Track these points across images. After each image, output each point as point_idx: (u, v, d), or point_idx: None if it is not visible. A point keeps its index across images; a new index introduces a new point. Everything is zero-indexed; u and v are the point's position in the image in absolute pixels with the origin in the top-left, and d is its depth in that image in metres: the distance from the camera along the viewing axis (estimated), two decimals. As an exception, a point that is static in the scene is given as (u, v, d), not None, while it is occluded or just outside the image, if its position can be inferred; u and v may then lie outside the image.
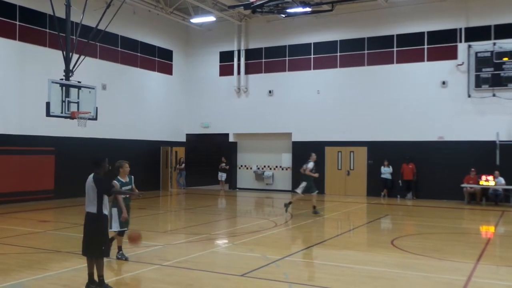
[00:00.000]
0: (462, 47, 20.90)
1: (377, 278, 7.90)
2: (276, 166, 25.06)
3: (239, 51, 25.57)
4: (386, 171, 21.78)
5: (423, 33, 21.63)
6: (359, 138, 22.59)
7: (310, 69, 24.01)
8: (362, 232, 13.15)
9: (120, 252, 8.77)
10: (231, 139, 25.90)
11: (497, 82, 20.10)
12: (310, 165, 15.84)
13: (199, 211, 16.93)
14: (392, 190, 21.79)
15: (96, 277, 6.87)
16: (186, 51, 26.77)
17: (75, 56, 16.27)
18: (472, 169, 19.72)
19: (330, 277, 7.89)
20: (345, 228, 13.90)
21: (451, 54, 21.13)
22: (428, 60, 21.54)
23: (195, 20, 24.12)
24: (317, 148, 23.32)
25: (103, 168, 6.95)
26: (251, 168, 25.63)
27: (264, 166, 25.36)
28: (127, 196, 8.71)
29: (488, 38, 20.43)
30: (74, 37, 16.57)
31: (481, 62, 20.40)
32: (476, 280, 7.76)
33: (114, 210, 8.59)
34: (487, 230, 13.94)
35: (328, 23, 23.40)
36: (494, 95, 20.12)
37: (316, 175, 16.07)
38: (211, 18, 23.87)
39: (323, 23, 23.52)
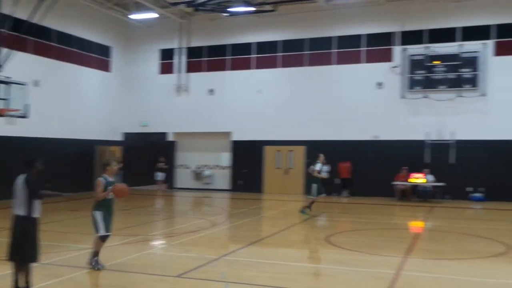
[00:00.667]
0: (397, 50, 21.69)
1: (313, 274, 8.06)
2: (216, 166, 25.00)
3: (180, 49, 25.28)
4: (323, 170, 22.18)
5: (361, 35, 22.27)
6: (298, 137, 22.93)
7: (251, 68, 24.12)
8: (299, 230, 13.36)
9: (95, 258, 7.96)
10: (170, 138, 25.56)
11: (429, 84, 21.03)
12: (318, 166, 15.57)
13: (135, 212, 16.58)
14: (329, 188, 22.22)
15: (22, 284, 6.56)
16: (126, 47, 26.14)
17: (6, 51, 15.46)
18: (404, 167, 20.53)
19: (267, 275, 7.95)
20: (283, 226, 14.06)
21: (387, 57, 21.88)
22: (365, 62, 22.20)
23: (136, 16, 23.55)
24: (256, 148, 23.57)
25: (36, 169, 6.63)
26: (189, 168, 25.42)
27: (203, 166, 25.22)
28: (57, 196, 8.16)
29: (421, 42, 21.33)
30: (3, 30, 15.75)
31: (414, 65, 21.27)
32: (405, 273, 8.08)
33: (99, 214, 7.93)
34: (417, 225, 14.56)
35: (270, 23, 23.59)
36: (425, 97, 21.03)
37: (325, 176, 15.76)
38: (152, 15, 23.39)
39: (265, 23, 23.68)
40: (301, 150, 23.08)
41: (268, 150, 23.66)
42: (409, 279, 7.81)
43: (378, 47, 22.06)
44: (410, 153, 20.86)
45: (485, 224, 13.91)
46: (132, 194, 22.68)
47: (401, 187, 20.41)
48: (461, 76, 20.60)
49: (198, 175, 25.12)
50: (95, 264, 7.92)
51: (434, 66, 20.99)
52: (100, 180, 8.04)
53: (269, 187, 23.51)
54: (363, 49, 22.23)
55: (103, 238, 7.96)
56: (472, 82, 20.42)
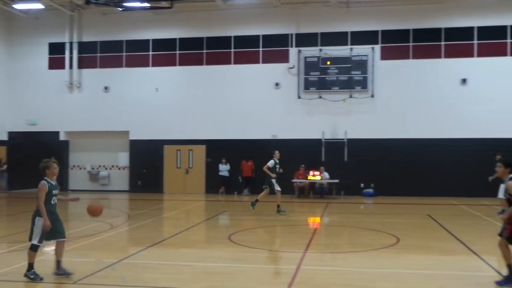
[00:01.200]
0: (293, 51, 22.37)
1: (215, 273, 8.00)
2: (113, 166, 24.07)
3: (71, 43, 23.96)
4: (224, 169, 22.34)
5: (258, 36, 22.66)
6: (198, 136, 22.81)
7: (148, 66, 23.54)
8: (200, 229, 13.26)
9: (32, 271, 7.31)
10: (62, 137, 24.16)
11: (323, 85, 21.96)
12: (270, 163, 15.53)
13: (23, 216, 15.32)
14: (230, 187, 22.45)
15: None
16: (9, 40, 24.24)
17: None
18: (302, 165, 21.26)
19: (168, 277, 7.77)
20: (184, 226, 13.88)
21: (284, 58, 22.49)
22: (263, 62, 22.63)
23: (19, 6, 21.89)
24: (155, 147, 23.06)
25: None
26: (85, 168, 24.22)
27: (100, 166, 24.16)
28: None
29: (315, 44, 22.19)
30: None
31: (309, 66, 22.10)
32: (305, 268, 8.32)
33: (39, 220, 7.22)
34: (314, 221, 15.11)
35: (167, 20, 23.18)
36: (320, 97, 21.93)
37: (274, 175, 15.61)
38: (37, 5, 21.90)
39: (162, 20, 23.22)
40: (201, 149, 22.99)
41: (167, 150, 23.26)
42: (308, 273, 8.05)
43: (275, 48, 22.60)
44: (307, 152, 21.65)
45: (376, 218, 14.78)
46: (20, 197, 21.22)
47: (299, 185, 21.09)
48: (352, 78, 21.77)
49: (94, 176, 24.03)
50: (34, 276, 7.32)
51: (327, 68, 21.96)
52: (44, 184, 7.32)
53: (169, 187, 23.13)
54: (261, 49, 22.64)
55: (37, 248, 7.38)
56: (362, 84, 21.67)
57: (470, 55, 21.16)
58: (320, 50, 22.03)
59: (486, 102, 20.72)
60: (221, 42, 22.96)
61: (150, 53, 23.54)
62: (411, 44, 21.61)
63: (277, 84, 22.44)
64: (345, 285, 7.58)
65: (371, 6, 21.76)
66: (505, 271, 7.26)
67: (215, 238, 11.67)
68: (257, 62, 22.69)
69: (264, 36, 22.65)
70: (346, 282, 7.69)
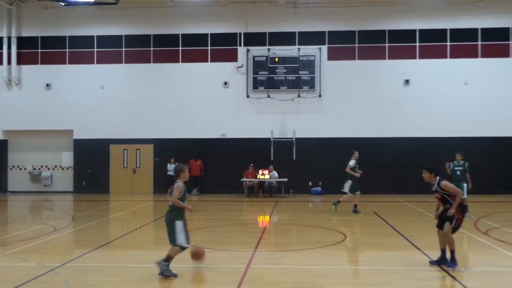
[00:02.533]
0: (241, 50, 22.37)
1: (182, 275, 7.87)
2: (56, 166, 23.24)
3: (9, 38, 22.93)
4: (172, 168, 21.97)
5: (207, 34, 22.51)
6: (146, 135, 22.41)
7: (93, 63, 22.88)
8: (149, 230, 13.01)
9: (165, 263, 7.71)
10: (0, 137, 23.08)
11: (271, 84, 22.09)
12: (352, 162, 15.08)
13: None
14: (178, 186, 22.15)
15: None
16: None
17: None
18: (251, 164, 21.31)
19: (115, 279, 7.57)
20: (132, 227, 13.59)
21: (232, 57, 22.45)
22: (212, 61, 22.51)
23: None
24: (101, 146, 22.46)
25: None
26: (25, 169, 23.25)
27: (42, 166, 23.27)
28: None
29: (263, 44, 22.30)
30: None
31: (257, 65, 22.18)
32: (254, 267, 8.33)
33: (180, 223, 7.80)
34: (263, 219, 15.17)
35: (112, 16, 22.61)
36: (268, 96, 22.05)
37: (358, 174, 15.16)
38: (-30, -3, 20.80)
39: (107, 16, 22.63)
40: (149, 149, 22.60)
41: (114, 149, 22.71)
42: (257, 271, 8.06)
43: (223, 47, 22.53)
44: (257, 151, 21.73)
45: (324, 216, 15.02)
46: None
47: (248, 184, 21.13)
48: (300, 78, 22.02)
49: (35, 177, 23.10)
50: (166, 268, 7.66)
51: (276, 67, 22.12)
52: (180, 185, 7.85)
53: (116, 187, 22.58)
54: (209, 48, 22.51)
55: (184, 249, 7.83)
56: (310, 83, 21.98)
57: (413, 56, 21.91)
58: (269, 49, 22.16)
59: (427, 102, 21.54)
60: (169, 40, 22.64)
61: (95, 49, 22.88)
62: (356, 45, 22.12)
63: (225, 83, 22.38)
64: (294, 283, 7.64)
65: (318, 7, 22.09)
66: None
67: (164, 238, 11.40)
68: (205, 60, 22.54)
69: (212, 34, 22.53)
70: (294, 280, 7.76)
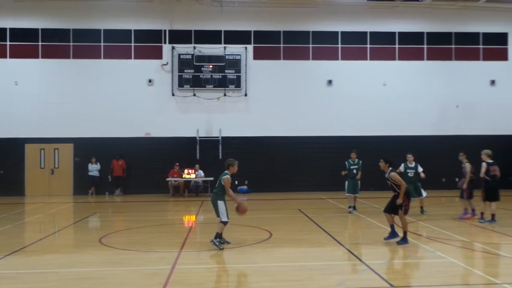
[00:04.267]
0: (166, 48, 21.99)
1: (85, 279, 7.56)
2: (-36, 167, 21.63)
3: None
4: (93, 168, 21.27)
5: (130, 30, 21.90)
6: (65, 134, 21.42)
7: (6, 57, 21.53)
8: (68, 233, 12.42)
9: (218, 239, 9.71)
10: None
11: (197, 83, 21.90)
12: (402, 167, 14.44)
13: None
14: (100, 187, 21.43)
15: None
16: None
17: None
18: (176, 164, 21.00)
19: (31, 286, 7.14)
20: (49, 230, 12.91)
21: (157, 54, 22.01)
22: (135, 58, 21.95)
23: None
24: (15, 146, 21.22)
25: None
26: None
27: None
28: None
29: (189, 42, 22.05)
30: None
31: (183, 63, 21.89)
32: (180, 267, 8.20)
33: (222, 203, 9.85)
34: (189, 219, 15.00)
35: (28, 8, 21.42)
36: (194, 95, 21.85)
37: (423, 175, 14.56)
38: None
39: (22, 8, 21.38)
40: (68, 148, 21.63)
41: (29, 149, 21.51)
42: (183, 272, 7.94)
43: (148, 43, 22.03)
44: (182, 150, 21.46)
45: (250, 214, 14.92)
46: None
47: (174, 183, 20.81)
48: (226, 76, 22.01)
49: None
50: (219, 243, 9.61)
51: (201, 66, 21.95)
52: (229, 178, 9.83)
53: (32, 189, 21.41)
54: (133, 44, 21.93)
55: (226, 223, 9.85)
56: (236, 82, 22.03)
57: (335, 58, 22.59)
58: (194, 47, 21.95)
59: (349, 102, 22.29)
60: (90, 35, 21.78)
61: (8, 43, 21.53)
62: (282, 45, 22.46)
63: (150, 81, 21.90)
64: (220, 282, 7.60)
65: (244, 6, 22.18)
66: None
67: (84, 241, 11.01)
68: (129, 57, 21.93)
69: (136, 31, 21.95)
70: (221, 279, 7.72)
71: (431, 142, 22.14)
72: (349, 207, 15.31)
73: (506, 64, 23.06)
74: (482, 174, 12.59)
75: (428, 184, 20.65)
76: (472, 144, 22.09)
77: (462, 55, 22.94)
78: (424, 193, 14.59)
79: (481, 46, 23.04)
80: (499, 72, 22.92)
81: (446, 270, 8.00)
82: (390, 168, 10.07)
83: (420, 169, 14.49)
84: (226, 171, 9.93)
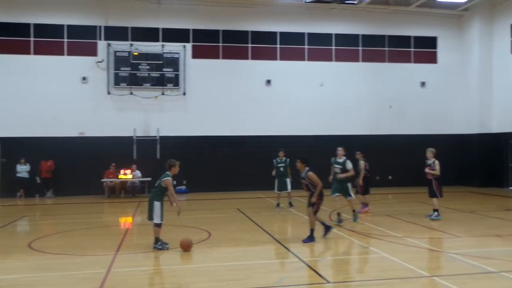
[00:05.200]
0: (101, 44, 21.33)
1: (13, 286, 7.18)
2: None
3: None
4: (22, 169, 20.26)
5: (63, 25, 21.08)
6: (-9, 133, 20.28)
7: None
8: (-6, 238, 11.74)
9: (159, 242, 9.52)
10: None
11: (134, 81, 21.40)
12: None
13: None
14: (30, 189, 20.43)
15: None
16: None
17: None
18: (112, 164, 20.42)
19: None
20: (-26, 236, 12.16)
21: (92, 51, 21.31)
22: (69, 54, 21.13)
23: None
24: None
25: None
26: None
27: None
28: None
29: (125, 39, 21.50)
30: None
31: (119, 61, 21.31)
32: (116, 270, 7.96)
33: (158, 204, 9.56)
34: (126, 221, 14.63)
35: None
36: (131, 93, 21.34)
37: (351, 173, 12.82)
38: None
39: None
40: (-5, 148, 20.48)
41: (-49, 149, 20.17)
42: (120, 275, 7.73)
43: (81, 40, 21.29)
44: (118, 150, 20.88)
45: (189, 214, 14.90)
46: None
47: (110, 184, 20.23)
48: (164, 75, 21.66)
49: None
50: (161, 246, 9.47)
51: (138, 63, 21.47)
52: (170, 180, 9.65)
53: (-47, 192, 20.07)
54: (65, 40, 21.12)
55: (161, 225, 9.60)
56: (174, 81, 21.73)
57: (274, 58, 22.80)
58: (131, 45, 21.43)
59: (287, 101, 22.57)
60: (18, 29, 20.73)
61: None
62: (221, 44, 22.39)
63: (84, 78, 21.16)
64: (158, 284, 7.46)
65: (182, 4, 21.92)
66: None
67: (12, 247, 10.44)
68: (61, 53, 21.08)
69: (69, 26, 21.14)
70: (159, 281, 7.58)
71: (365, 141, 22.76)
72: (277, 204, 15.68)
73: (436, 66, 24.19)
74: (438, 172, 12.78)
75: (363, 182, 21.44)
76: (403, 143, 23.23)
77: (395, 57, 23.83)
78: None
79: (412, 49, 24.04)
80: (429, 74, 24.01)
81: (379, 265, 8.26)
82: (307, 168, 10.12)
83: (349, 165, 12.60)
84: (167, 172, 9.72)
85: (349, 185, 12.70)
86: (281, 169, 15.70)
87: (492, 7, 23.12)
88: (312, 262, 8.38)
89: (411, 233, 11.07)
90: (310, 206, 10.15)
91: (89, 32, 21.29)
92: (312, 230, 10.12)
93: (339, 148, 12.90)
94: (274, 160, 15.83)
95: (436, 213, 13.02)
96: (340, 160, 12.75)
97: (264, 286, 7.16)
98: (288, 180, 15.70)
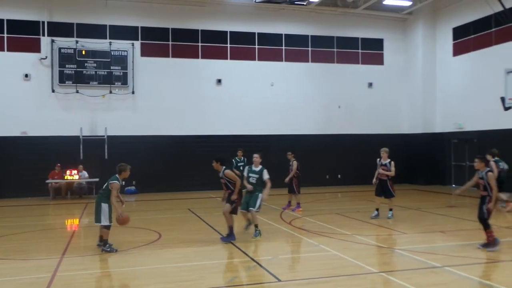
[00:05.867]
0: (45, 41, 20.56)
1: None
2: None
3: None
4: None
5: (2, 20, 20.16)
6: None
7: None
8: None
9: (108, 245, 9.32)
10: None
11: (80, 79, 20.76)
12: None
13: None
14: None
15: None
16: None
17: None
18: (57, 164, 19.72)
19: None
20: None
21: (35, 47, 20.51)
22: (9, 50, 20.24)
23: None
24: None
25: None
26: None
27: None
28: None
29: (71, 35, 20.82)
30: None
31: (64, 58, 20.62)
32: (62, 274, 7.71)
33: (105, 206, 9.39)
34: (72, 223, 14.19)
35: None
36: (77, 92, 20.70)
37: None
38: None
39: None
40: None
41: None
42: (65, 279, 7.48)
43: (23, 35, 20.45)
44: (64, 150, 20.18)
45: (138, 215, 14.64)
46: None
47: (55, 185, 19.54)
48: (112, 73, 21.13)
49: None
50: (110, 249, 9.29)
51: (85, 61, 20.86)
52: (118, 185, 9.37)
53: None
54: (5, 35, 20.23)
55: (110, 227, 9.49)
56: (123, 79, 21.25)
57: (224, 57, 22.73)
58: (77, 42, 20.77)
59: (238, 101, 22.55)
60: (-45, 23, 19.69)
61: None
62: (170, 42, 22.09)
63: (26, 76, 20.33)
64: (107, 287, 7.25)
65: (130, 1, 21.47)
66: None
67: None
68: (1, 49, 20.16)
69: (9, 21, 20.22)
70: (107, 285, 7.38)
71: (315, 141, 23.17)
72: None
73: (382, 68, 24.86)
74: (393, 173, 12.87)
75: (312, 181, 21.73)
76: (352, 143, 23.77)
77: (343, 59, 24.30)
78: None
79: (360, 51, 24.60)
80: (376, 75, 24.64)
81: (329, 262, 8.39)
82: (224, 167, 10.27)
83: (266, 176, 10.74)
84: (116, 175, 9.52)
85: (260, 195, 10.65)
86: (241, 168, 15.63)
87: (434, 11, 24.02)
88: (264, 261, 8.41)
89: (360, 231, 11.32)
90: (229, 203, 10.15)
91: (32, 27, 20.46)
92: (231, 228, 10.16)
93: (256, 155, 11.16)
94: (233, 160, 15.77)
95: (392, 212, 13.14)
96: (257, 168, 10.86)
97: (216, 286, 7.12)
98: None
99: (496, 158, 14.27)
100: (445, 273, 7.64)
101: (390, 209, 13.18)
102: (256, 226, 10.62)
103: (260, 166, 10.91)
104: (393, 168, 12.87)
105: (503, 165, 14.43)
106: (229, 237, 10.10)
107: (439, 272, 7.67)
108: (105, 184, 9.59)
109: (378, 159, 13.18)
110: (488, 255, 8.75)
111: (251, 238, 10.42)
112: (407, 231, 11.29)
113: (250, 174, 10.87)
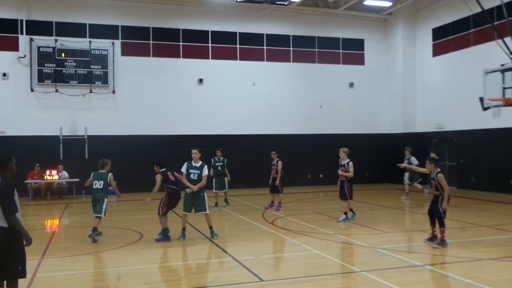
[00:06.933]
0: (23, 39, 20.22)
1: None
2: None
3: None
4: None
5: (-20, 18, 19.81)
6: None
7: None
8: None
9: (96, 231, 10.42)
10: None
11: (60, 78, 20.48)
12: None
13: None
14: None
15: None
16: None
17: None
18: (37, 164, 19.43)
19: None
20: None
21: (12, 46, 20.16)
22: (-14, 49, 19.89)
23: None
24: None
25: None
26: None
27: None
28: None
29: (50, 34, 20.52)
30: None
31: (43, 57, 20.32)
32: (41, 275, 7.61)
33: (106, 200, 10.74)
34: (52, 223, 14.00)
35: None
36: (57, 91, 20.42)
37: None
38: None
39: None
40: None
41: None
42: (45, 280, 7.39)
43: (1, 34, 20.10)
44: (44, 149, 19.87)
45: (120, 215, 14.55)
46: None
47: (34, 186, 19.25)
48: (92, 72, 20.89)
49: None
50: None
51: (64, 60, 20.59)
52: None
53: None
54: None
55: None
56: (103, 79, 21.02)
57: (206, 57, 22.65)
58: (56, 40, 20.49)
59: (219, 101, 22.48)
60: None
61: None
62: (151, 42, 21.92)
63: (4, 75, 19.98)
64: (87, 287, 7.18)
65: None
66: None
67: None
68: (-22, 48, 19.81)
69: (-13, 19, 19.90)
70: (88, 285, 7.30)
71: (297, 140, 23.23)
72: (216, 204, 15.65)
73: (363, 68, 25.04)
74: (351, 174, 12.37)
75: (294, 180, 21.79)
76: (333, 142, 23.82)
77: (324, 59, 24.41)
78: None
79: (341, 51, 24.75)
80: (357, 75, 24.80)
81: (312, 262, 8.42)
82: (162, 170, 11.00)
83: (206, 171, 10.81)
84: (104, 171, 10.98)
85: (206, 197, 10.64)
86: (219, 168, 15.69)
87: (414, 12, 24.30)
88: (246, 261, 8.40)
89: (342, 230, 11.40)
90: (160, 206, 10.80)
91: (9, 25, 20.11)
92: (166, 229, 10.51)
93: (194, 150, 10.91)
94: (212, 160, 15.76)
95: (345, 216, 12.52)
96: (197, 164, 10.74)
97: (198, 286, 7.10)
98: (226, 179, 15.75)
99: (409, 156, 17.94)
100: (426, 271, 7.73)
101: (345, 213, 12.62)
102: (183, 229, 10.55)
103: (201, 162, 10.72)
104: (351, 169, 12.27)
105: (413, 161, 17.47)
106: (164, 238, 10.40)
107: (419, 271, 7.76)
108: (100, 181, 10.83)
109: (340, 160, 12.80)
110: (468, 254, 8.88)
111: (177, 240, 10.30)
112: (388, 230, 11.40)
113: (191, 171, 10.62)
